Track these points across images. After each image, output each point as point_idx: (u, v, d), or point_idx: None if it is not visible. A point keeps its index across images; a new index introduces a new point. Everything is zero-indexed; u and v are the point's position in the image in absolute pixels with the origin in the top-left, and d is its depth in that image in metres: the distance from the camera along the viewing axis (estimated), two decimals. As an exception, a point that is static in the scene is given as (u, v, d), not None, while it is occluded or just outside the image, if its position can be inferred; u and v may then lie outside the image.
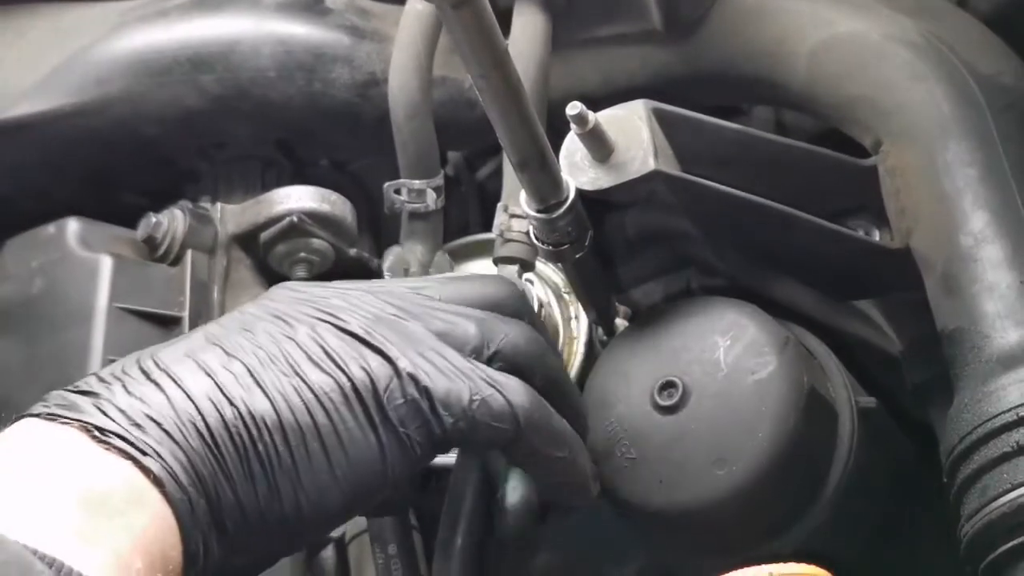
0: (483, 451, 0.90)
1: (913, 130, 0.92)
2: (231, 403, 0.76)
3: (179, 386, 0.76)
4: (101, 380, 0.76)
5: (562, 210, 0.85)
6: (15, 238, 1.14)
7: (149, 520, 0.71)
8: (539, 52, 1.08)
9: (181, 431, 0.74)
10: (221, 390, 0.76)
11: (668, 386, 0.86)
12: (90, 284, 1.08)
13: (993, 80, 0.94)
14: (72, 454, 0.71)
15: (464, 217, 1.27)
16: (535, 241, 0.89)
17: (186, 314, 1.10)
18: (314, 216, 1.13)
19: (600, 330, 0.99)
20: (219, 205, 1.17)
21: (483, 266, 1.06)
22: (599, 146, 0.87)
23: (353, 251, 1.15)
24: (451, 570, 0.90)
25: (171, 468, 0.72)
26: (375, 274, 1.12)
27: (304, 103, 1.16)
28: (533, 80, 1.06)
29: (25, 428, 0.73)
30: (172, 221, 1.14)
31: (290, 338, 0.80)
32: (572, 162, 0.88)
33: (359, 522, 1.03)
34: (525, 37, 1.09)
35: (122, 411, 0.73)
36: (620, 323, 0.98)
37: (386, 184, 1.09)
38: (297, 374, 0.78)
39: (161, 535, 0.71)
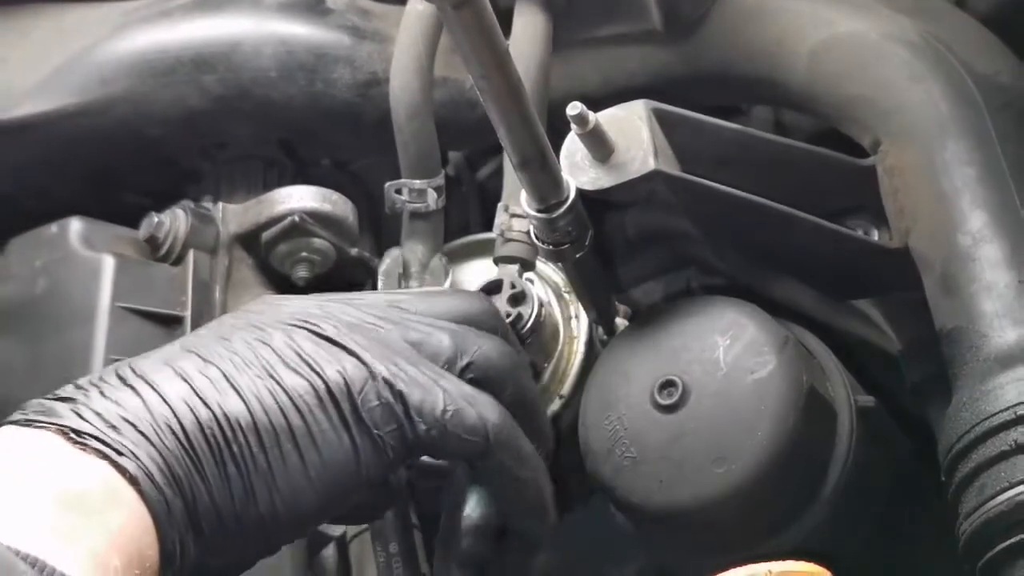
0: (452, 463, 0.91)
1: (911, 130, 0.92)
2: (206, 405, 0.77)
3: (155, 390, 0.77)
4: (78, 387, 0.77)
5: (562, 210, 0.86)
6: (18, 238, 1.14)
7: (125, 519, 0.71)
8: (539, 52, 1.09)
9: (156, 433, 0.75)
10: (197, 394, 0.77)
11: (668, 385, 0.86)
12: (92, 284, 1.08)
13: (991, 79, 0.94)
14: (48, 456, 0.72)
15: (465, 217, 1.27)
16: (535, 241, 0.89)
17: (188, 314, 1.10)
18: (316, 216, 1.13)
19: (600, 330, 1.00)
20: (221, 205, 1.17)
21: (484, 266, 1.06)
22: (599, 146, 0.87)
23: (354, 251, 1.15)
24: (451, 569, 0.91)
25: (147, 468, 0.73)
26: (376, 273, 1.13)
27: (305, 103, 1.16)
28: (534, 80, 1.06)
29: (2, 434, 0.74)
30: (174, 221, 1.14)
31: (266, 344, 0.81)
32: (572, 162, 0.88)
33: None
34: (525, 37, 1.09)
35: (98, 414, 0.74)
36: (620, 323, 0.99)
37: (387, 184, 1.09)
38: (272, 377, 0.79)
39: (137, 534, 0.72)
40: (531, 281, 1.00)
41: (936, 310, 0.87)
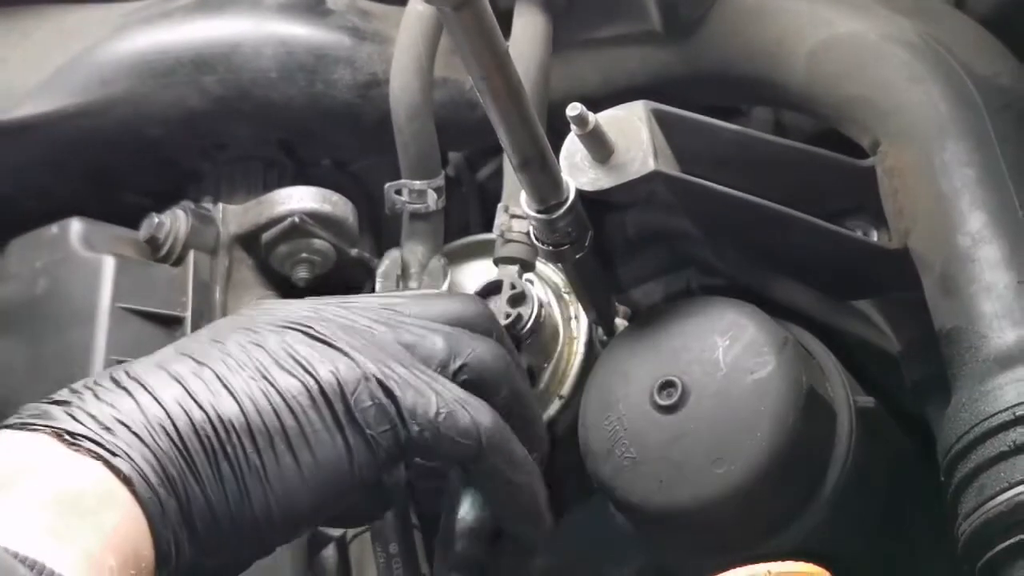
0: (444, 466, 0.91)
1: (911, 130, 0.93)
2: (200, 407, 0.77)
3: (149, 392, 0.77)
4: (73, 391, 0.78)
5: (562, 210, 0.86)
6: (18, 238, 1.14)
7: (120, 519, 0.72)
8: (539, 53, 1.09)
9: (150, 433, 0.75)
10: (190, 395, 0.77)
11: (668, 386, 0.86)
12: (93, 284, 1.08)
13: (990, 81, 0.94)
14: (43, 457, 0.73)
15: (465, 217, 1.27)
16: (535, 241, 0.89)
17: (188, 314, 1.10)
18: (316, 216, 1.13)
19: (600, 330, 1.00)
20: (221, 205, 1.17)
21: (483, 267, 1.06)
22: (599, 147, 0.87)
23: (354, 251, 1.15)
24: (451, 569, 0.91)
25: (141, 468, 0.73)
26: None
27: (305, 104, 1.16)
28: (533, 81, 1.06)
29: None
30: (174, 221, 1.14)
31: (259, 345, 0.81)
32: (572, 163, 0.88)
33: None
34: (525, 38, 1.09)
35: (92, 416, 0.75)
36: (620, 323, 0.99)
37: (387, 185, 1.09)
38: (265, 378, 0.79)
39: (132, 534, 0.72)
40: (531, 282, 1.00)
41: (935, 311, 0.87)
